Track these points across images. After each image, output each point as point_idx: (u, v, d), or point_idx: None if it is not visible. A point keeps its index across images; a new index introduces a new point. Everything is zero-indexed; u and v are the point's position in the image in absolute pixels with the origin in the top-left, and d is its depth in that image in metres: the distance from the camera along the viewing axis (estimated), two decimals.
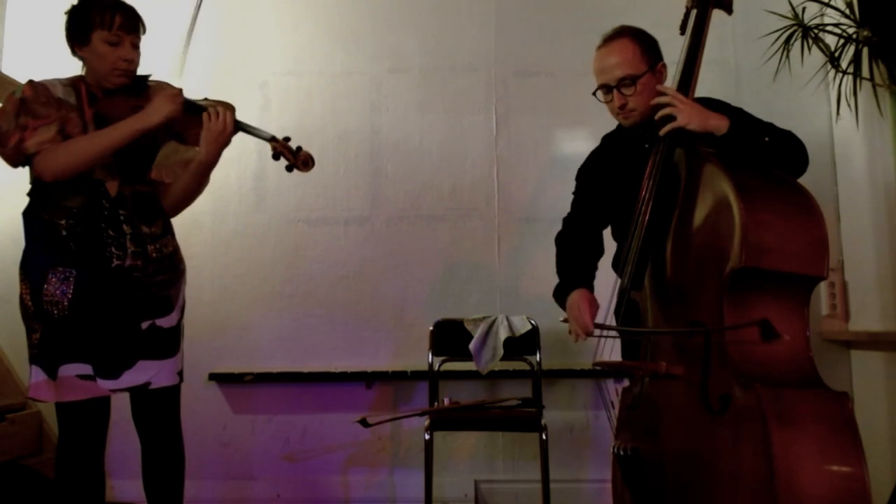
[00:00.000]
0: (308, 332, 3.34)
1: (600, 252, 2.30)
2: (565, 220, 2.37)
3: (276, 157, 2.17)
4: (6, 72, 3.20)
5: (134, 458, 2.22)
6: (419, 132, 3.44)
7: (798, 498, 1.50)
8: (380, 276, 3.36)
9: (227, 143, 2.12)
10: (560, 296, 2.20)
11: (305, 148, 2.19)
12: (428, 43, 3.48)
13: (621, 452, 1.95)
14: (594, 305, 2.09)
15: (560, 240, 2.34)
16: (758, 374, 1.64)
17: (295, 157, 2.15)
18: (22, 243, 3.33)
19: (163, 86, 2.16)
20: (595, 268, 2.26)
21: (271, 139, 2.16)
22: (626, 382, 2.19)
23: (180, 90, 2.11)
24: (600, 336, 2.04)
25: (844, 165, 3.19)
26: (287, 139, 2.17)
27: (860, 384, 3.09)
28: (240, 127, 2.14)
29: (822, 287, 3.14)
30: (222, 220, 3.01)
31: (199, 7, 2.23)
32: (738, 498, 1.60)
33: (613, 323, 2.11)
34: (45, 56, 3.39)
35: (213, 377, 3.23)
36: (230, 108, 2.14)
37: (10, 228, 3.37)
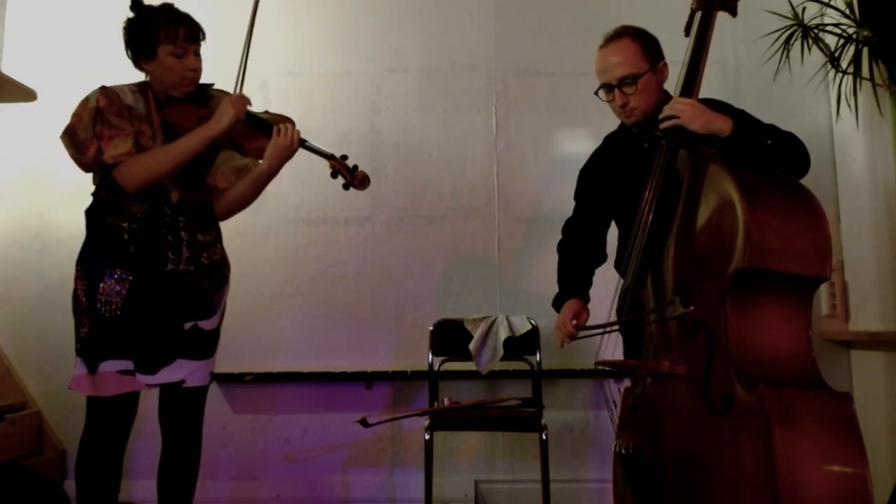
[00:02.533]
0: (308, 332, 3.33)
1: (602, 258, 2.34)
2: (565, 227, 2.39)
3: (334, 175, 2.22)
4: (6, 72, 3.20)
5: (149, 460, 2.26)
6: (419, 132, 3.44)
7: (800, 498, 1.50)
8: (380, 276, 3.36)
9: (290, 158, 2.20)
10: (556, 305, 2.27)
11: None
12: (428, 43, 3.47)
13: (623, 451, 1.96)
14: (582, 317, 2.16)
15: (561, 247, 2.38)
16: (760, 374, 1.64)
17: (352, 177, 2.21)
18: (24, 243, 3.38)
19: (224, 94, 2.23)
20: (592, 274, 2.31)
21: (330, 157, 2.21)
22: (627, 382, 2.19)
23: (244, 96, 2.18)
24: (589, 335, 2.08)
25: (844, 165, 3.19)
26: (345, 157, 2.22)
27: (860, 384, 3.10)
28: (303, 144, 2.20)
29: (822, 287, 3.10)
30: (222, 220, 3.00)
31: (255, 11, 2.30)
32: (739, 498, 1.60)
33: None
34: (45, 56, 3.40)
35: (213, 377, 3.20)
36: (293, 124, 2.20)
37: (10, 228, 3.39)
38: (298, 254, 3.39)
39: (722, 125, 1.86)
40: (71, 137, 2.08)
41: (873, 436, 2.87)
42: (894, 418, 2.86)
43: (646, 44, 2.11)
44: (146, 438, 2.31)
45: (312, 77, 3.46)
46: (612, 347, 2.11)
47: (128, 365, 2.08)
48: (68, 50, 3.32)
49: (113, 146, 2.05)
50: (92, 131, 2.05)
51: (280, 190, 3.39)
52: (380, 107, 3.46)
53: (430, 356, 3.10)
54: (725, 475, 1.64)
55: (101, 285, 2.06)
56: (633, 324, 2.05)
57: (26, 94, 3.12)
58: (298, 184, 3.39)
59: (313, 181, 3.37)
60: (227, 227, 3.24)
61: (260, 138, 2.20)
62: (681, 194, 1.90)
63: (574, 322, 2.13)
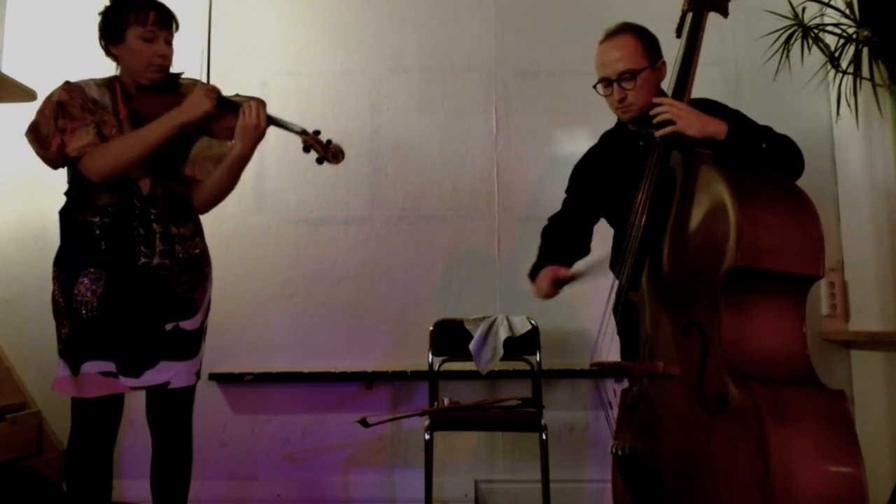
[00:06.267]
0: (308, 332, 3.33)
1: (585, 251, 2.34)
2: (551, 218, 2.41)
3: (306, 150, 2.17)
4: (6, 72, 3.20)
5: (143, 459, 2.25)
6: (419, 132, 3.44)
7: (794, 496, 1.50)
8: (380, 276, 3.36)
9: (260, 138, 2.15)
10: (533, 274, 2.25)
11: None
12: (428, 43, 3.48)
13: (619, 452, 1.96)
14: (560, 271, 2.16)
15: (544, 233, 2.39)
16: (754, 373, 1.64)
17: (325, 150, 2.15)
18: (24, 243, 3.38)
19: (194, 83, 2.20)
20: (572, 264, 2.29)
21: (302, 132, 2.16)
22: (626, 383, 2.19)
23: (214, 86, 2.15)
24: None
25: (844, 165, 3.19)
26: (317, 132, 2.17)
27: (860, 384, 3.09)
28: (272, 121, 2.16)
29: (822, 287, 3.14)
30: (222, 220, 3.00)
31: (210, 7, 2.27)
32: (735, 497, 1.60)
33: (613, 323, 2.12)
34: (45, 56, 3.40)
35: (213, 377, 3.23)
36: (262, 104, 2.16)
37: (10, 228, 3.39)
38: (298, 254, 3.39)
39: (718, 129, 1.87)
40: (34, 134, 2.07)
41: (873, 436, 2.88)
42: (894, 418, 2.86)
43: (646, 41, 2.12)
44: (139, 438, 2.30)
45: (312, 77, 3.46)
46: (608, 348, 2.11)
47: (110, 366, 2.06)
48: (68, 50, 3.32)
49: (76, 138, 2.03)
50: (54, 125, 2.03)
51: (280, 190, 3.41)
52: (380, 107, 3.46)
53: (430, 356, 3.10)
54: (721, 474, 1.64)
55: (77, 286, 2.04)
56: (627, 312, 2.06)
57: (26, 94, 3.12)
58: (298, 184, 3.39)
59: (313, 181, 3.38)
60: (227, 226, 3.26)
61: (227, 117, 2.15)
62: (674, 195, 1.91)
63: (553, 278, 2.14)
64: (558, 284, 2.16)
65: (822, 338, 3.14)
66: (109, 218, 2.07)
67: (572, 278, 2.16)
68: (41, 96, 3.13)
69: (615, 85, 2.09)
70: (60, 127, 2.03)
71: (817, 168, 3.18)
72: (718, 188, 1.74)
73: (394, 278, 3.36)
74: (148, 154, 2.07)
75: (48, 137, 2.04)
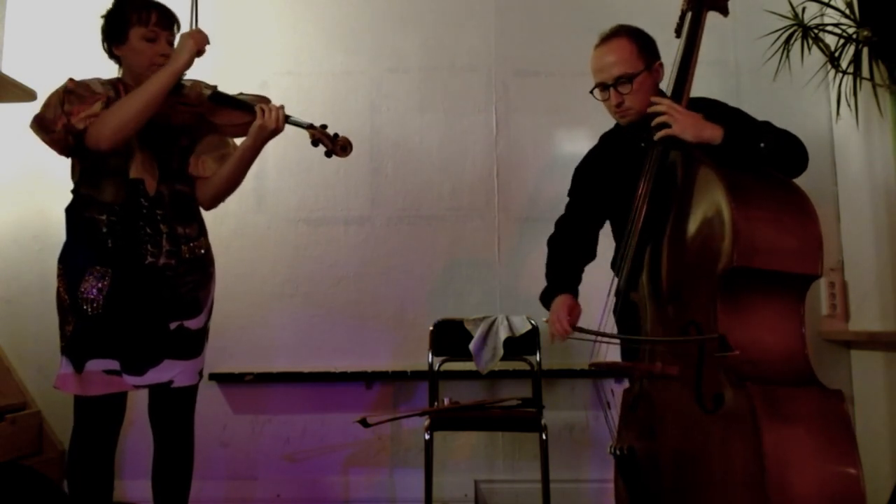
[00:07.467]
0: (308, 332, 3.33)
1: (591, 256, 2.33)
2: (557, 223, 2.38)
3: (314, 143, 2.20)
4: (6, 72, 3.20)
5: (144, 459, 2.26)
6: (419, 132, 3.44)
7: (790, 496, 1.49)
8: (380, 276, 3.36)
9: (274, 135, 2.19)
10: (546, 300, 2.24)
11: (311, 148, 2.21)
12: (428, 43, 3.47)
13: (617, 452, 1.96)
14: (575, 311, 2.13)
15: (551, 243, 2.36)
16: (751, 373, 1.64)
17: (333, 143, 2.18)
18: (24, 243, 3.38)
19: (196, 84, 2.20)
20: (581, 271, 2.29)
21: (309, 127, 2.18)
22: (626, 383, 2.19)
23: (200, 30, 2.16)
24: (579, 339, 2.06)
25: (844, 165, 3.19)
26: (324, 126, 2.20)
27: (860, 384, 3.09)
28: (287, 120, 2.19)
29: (822, 287, 3.14)
30: (222, 221, 3.00)
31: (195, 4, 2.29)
32: (731, 496, 1.60)
33: (612, 322, 2.11)
34: (45, 56, 3.40)
35: (213, 377, 3.23)
36: (268, 101, 2.20)
37: (10, 228, 3.39)
38: (298, 254, 3.39)
39: (714, 133, 1.85)
40: (39, 122, 2.06)
41: (873, 436, 2.88)
42: (894, 418, 2.86)
43: (642, 43, 2.11)
44: (140, 438, 2.30)
45: (312, 77, 3.46)
46: (607, 348, 2.11)
47: (114, 365, 2.06)
48: (68, 50, 3.32)
49: (83, 112, 2.03)
50: (60, 109, 2.03)
51: (280, 190, 3.41)
52: (380, 107, 3.46)
53: (430, 356, 3.10)
54: (717, 474, 1.64)
55: (83, 284, 2.04)
56: (632, 342, 2.06)
57: (26, 94, 3.12)
58: (298, 184, 3.39)
59: (313, 181, 3.38)
60: (227, 226, 3.26)
61: (234, 114, 2.18)
62: (673, 195, 1.91)
63: (569, 318, 2.09)
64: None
65: (822, 338, 3.14)
66: (116, 216, 2.08)
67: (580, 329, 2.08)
68: (41, 96, 3.14)
69: (612, 90, 2.08)
70: (67, 110, 2.03)
71: (817, 168, 3.16)
72: (716, 188, 1.74)
73: (394, 278, 3.36)
74: (151, 111, 2.05)
75: (53, 120, 2.03)
